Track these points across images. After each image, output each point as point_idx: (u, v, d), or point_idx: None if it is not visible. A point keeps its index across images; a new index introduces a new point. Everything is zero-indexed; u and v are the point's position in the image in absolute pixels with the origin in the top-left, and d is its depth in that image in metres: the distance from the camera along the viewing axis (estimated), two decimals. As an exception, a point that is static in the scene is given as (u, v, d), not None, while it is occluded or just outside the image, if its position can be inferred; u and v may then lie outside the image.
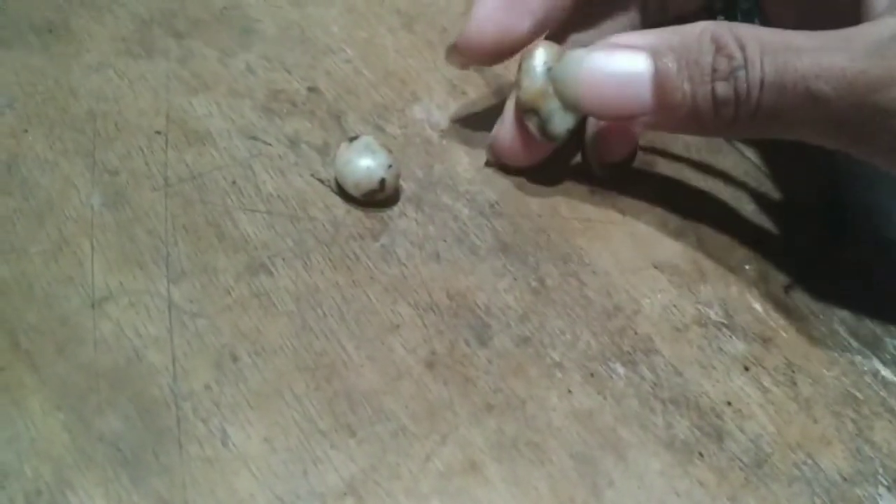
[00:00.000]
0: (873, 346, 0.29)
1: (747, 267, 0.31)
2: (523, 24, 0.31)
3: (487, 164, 0.32)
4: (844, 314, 0.30)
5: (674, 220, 0.32)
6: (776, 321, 0.29)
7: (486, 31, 0.30)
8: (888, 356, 0.29)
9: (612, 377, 0.27)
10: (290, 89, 0.34)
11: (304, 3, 0.38)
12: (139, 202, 0.28)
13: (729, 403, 0.27)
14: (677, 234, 0.32)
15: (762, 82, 0.26)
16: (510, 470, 0.24)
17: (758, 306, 0.30)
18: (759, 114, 0.26)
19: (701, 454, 0.25)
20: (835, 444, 0.26)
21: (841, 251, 0.33)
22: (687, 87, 0.27)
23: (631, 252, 0.30)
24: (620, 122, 0.31)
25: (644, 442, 0.25)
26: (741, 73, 0.26)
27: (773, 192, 0.34)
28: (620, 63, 0.28)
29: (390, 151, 0.30)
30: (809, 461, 0.26)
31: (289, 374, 0.25)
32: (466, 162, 0.32)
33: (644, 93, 0.28)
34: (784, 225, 0.33)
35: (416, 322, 0.27)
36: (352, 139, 0.30)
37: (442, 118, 0.34)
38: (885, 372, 0.29)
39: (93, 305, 0.25)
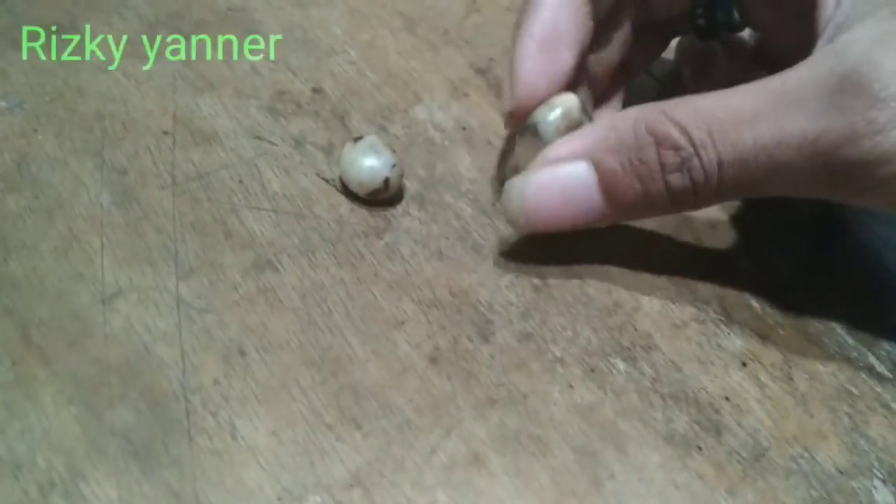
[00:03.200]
0: (869, 344, 0.30)
1: (745, 265, 0.31)
2: (567, 60, 0.29)
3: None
4: (840, 312, 0.30)
5: (672, 219, 0.32)
6: (773, 318, 0.30)
7: (535, 86, 0.29)
8: (883, 353, 0.29)
9: (612, 372, 0.27)
10: (294, 90, 0.34)
11: (307, 5, 0.38)
12: (147, 200, 0.29)
13: (727, 398, 0.27)
14: (676, 232, 0.32)
15: (720, 163, 0.25)
16: (513, 462, 0.25)
17: (755, 304, 0.30)
18: (723, 189, 0.26)
19: (700, 448, 0.26)
20: (831, 438, 0.27)
21: (837, 250, 0.33)
22: (637, 185, 0.26)
23: (630, 249, 0.31)
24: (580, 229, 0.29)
25: (644, 436, 0.26)
26: (694, 162, 0.25)
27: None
28: (562, 178, 0.27)
29: (394, 151, 0.30)
30: (806, 455, 0.26)
31: (295, 369, 0.25)
32: (468, 161, 0.33)
33: (594, 199, 0.27)
34: (781, 224, 0.33)
35: (419, 318, 0.27)
36: (356, 139, 0.30)
37: (444, 119, 0.34)
38: (881, 368, 0.29)
39: (103, 301, 0.26)
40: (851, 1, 0.26)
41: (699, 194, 0.26)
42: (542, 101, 0.29)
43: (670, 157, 0.26)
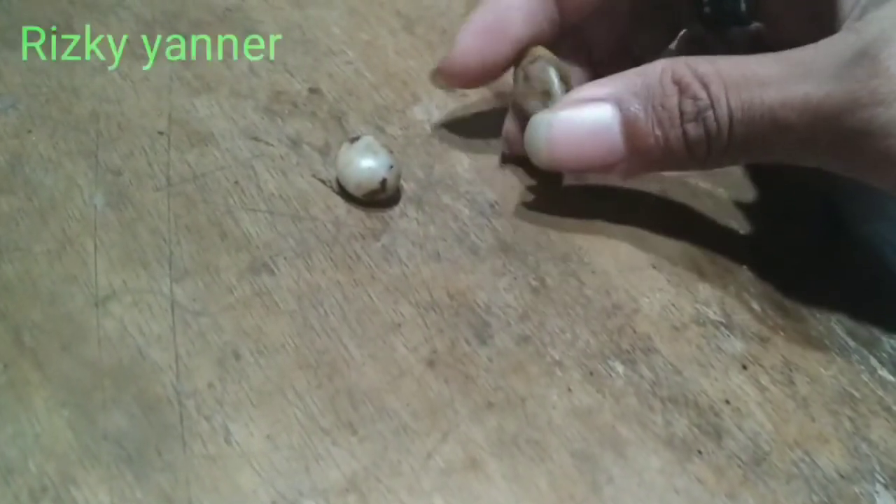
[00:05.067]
0: (870, 346, 0.29)
1: (745, 267, 0.31)
2: (504, 51, 0.31)
3: (504, 158, 0.33)
4: (842, 314, 0.30)
5: (672, 220, 0.32)
6: (774, 321, 0.29)
7: (468, 59, 0.31)
8: (885, 355, 0.29)
9: (611, 375, 0.27)
10: (291, 90, 0.34)
11: (306, 5, 0.38)
12: (142, 202, 0.29)
13: (727, 402, 0.27)
14: (675, 234, 0.32)
15: (730, 118, 0.26)
16: (510, 467, 0.24)
17: (756, 306, 0.30)
18: (731, 147, 0.27)
19: (700, 452, 0.26)
20: (832, 442, 0.27)
21: (838, 250, 0.33)
22: (658, 131, 0.27)
23: (630, 251, 0.31)
24: (598, 173, 0.31)
25: (643, 440, 0.26)
26: (709, 113, 0.26)
27: (771, 193, 0.34)
28: (588, 117, 0.28)
29: (391, 152, 0.30)
30: (807, 459, 0.26)
31: (291, 373, 0.25)
32: (466, 162, 0.33)
33: (616, 142, 0.28)
34: (781, 225, 0.33)
35: (416, 321, 0.27)
36: (353, 140, 0.30)
37: (442, 119, 0.34)
38: (882, 371, 0.29)
39: (96, 304, 0.26)
40: None
41: (712, 147, 0.27)
42: (468, 76, 0.32)
43: (689, 106, 0.27)
